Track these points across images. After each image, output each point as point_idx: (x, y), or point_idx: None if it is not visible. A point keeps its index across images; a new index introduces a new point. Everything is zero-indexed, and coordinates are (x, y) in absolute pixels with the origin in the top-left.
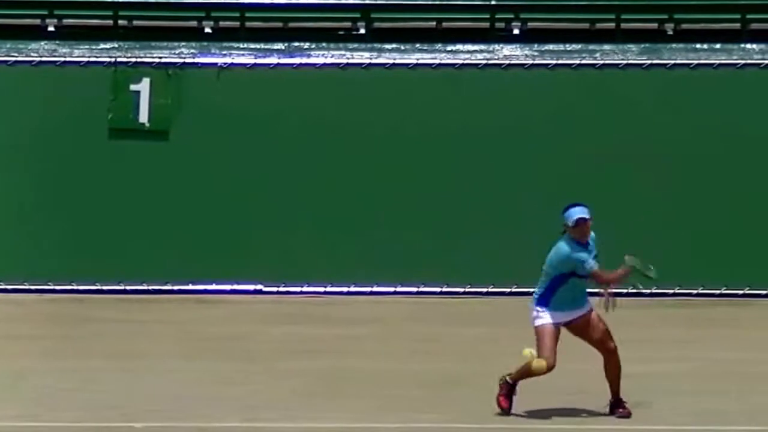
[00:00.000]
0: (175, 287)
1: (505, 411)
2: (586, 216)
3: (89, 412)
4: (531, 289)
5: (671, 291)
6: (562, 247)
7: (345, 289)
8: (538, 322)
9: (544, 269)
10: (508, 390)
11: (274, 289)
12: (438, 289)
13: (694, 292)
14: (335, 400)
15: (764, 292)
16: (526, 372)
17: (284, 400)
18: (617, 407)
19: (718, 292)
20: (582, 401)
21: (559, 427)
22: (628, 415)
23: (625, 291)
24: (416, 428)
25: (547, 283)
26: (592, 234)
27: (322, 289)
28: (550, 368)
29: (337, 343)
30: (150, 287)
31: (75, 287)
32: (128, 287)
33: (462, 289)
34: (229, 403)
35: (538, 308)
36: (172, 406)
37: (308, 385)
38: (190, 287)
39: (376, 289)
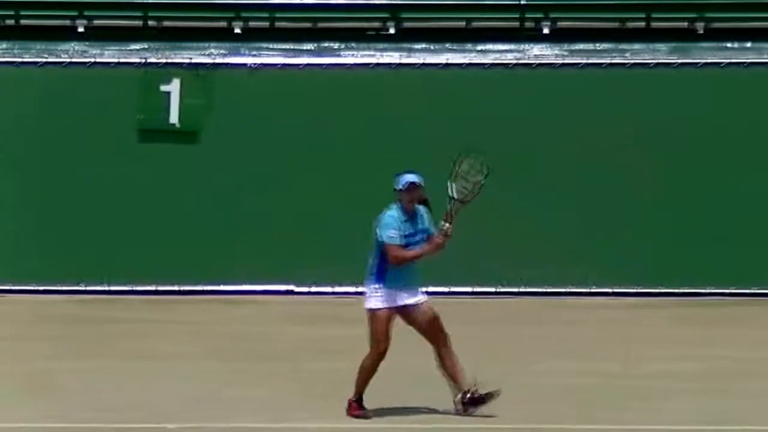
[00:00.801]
0: (206, 288)
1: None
2: (416, 180)
3: (119, 413)
4: (547, 290)
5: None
6: (386, 212)
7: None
8: (371, 305)
9: (374, 240)
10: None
11: (305, 289)
12: (469, 289)
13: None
14: (365, 400)
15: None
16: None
17: (315, 401)
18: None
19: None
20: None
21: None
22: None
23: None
24: (438, 429)
25: (377, 253)
26: (423, 209)
27: (352, 289)
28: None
29: (367, 344)
30: (181, 288)
31: (106, 288)
32: (159, 288)
33: (494, 289)
34: (260, 403)
35: (376, 285)
36: (202, 406)
37: (339, 386)
38: (221, 288)
39: None
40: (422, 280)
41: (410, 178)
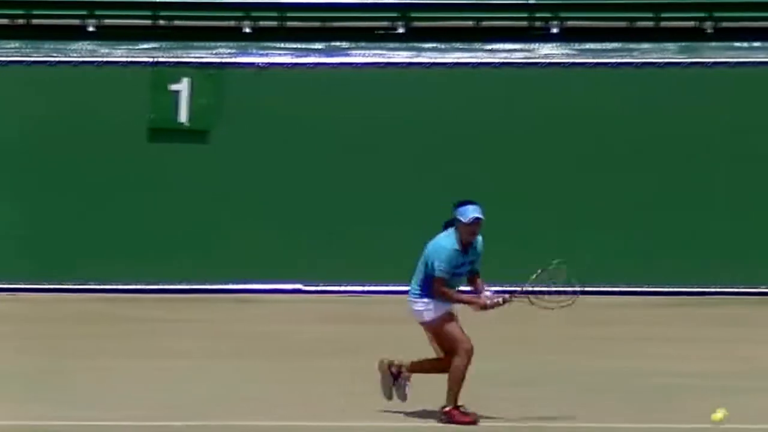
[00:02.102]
0: (215, 286)
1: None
2: (481, 216)
3: (128, 411)
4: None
5: (712, 290)
6: (443, 243)
7: (384, 288)
8: (433, 315)
9: (424, 262)
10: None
11: (313, 288)
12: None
13: (734, 290)
14: (373, 399)
15: None
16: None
17: (323, 400)
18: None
19: (757, 290)
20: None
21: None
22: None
23: (661, 290)
24: (451, 427)
25: (428, 275)
26: (479, 238)
27: (361, 288)
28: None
29: (376, 342)
30: (190, 286)
31: (118, 287)
32: (168, 286)
33: (500, 288)
34: (268, 402)
35: (426, 299)
36: (210, 405)
37: (347, 384)
38: (230, 286)
39: None
40: None
41: (476, 213)
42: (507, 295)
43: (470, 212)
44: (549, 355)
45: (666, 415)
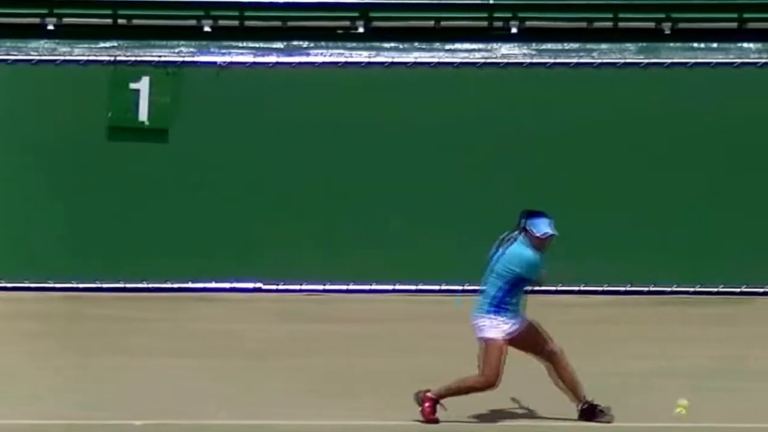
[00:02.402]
0: (175, 285)
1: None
2: (555, 233)
3: (87, 410)
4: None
5: (668, 289)
6: (528, 251)
7: (344, 287)
8: (490, 334)
9: (500, 273)
10: (432, 404)
11: (274, 287)
12: (437, 287)
13: (692, 289)
14: (333, 398)
15: (762, 290)
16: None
17: (283, 398)
18: (591, 413)
19: (716, 289)
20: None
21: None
22: (610, 420)
23: (624, 289)
24: (416, 426)
25: (504, 287)
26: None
27: (321, 287)
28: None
29: (336, 341)
30: (149, 285)
31: (74, 285)
32: (127, 285)
33: (461, 287)
34: (228, 400)
35: (492, 316)
36: (170, 404)
37: (306, 383)
38: (190, 285)
39: (375, 287)
40: None
41: (549, 229)
42: None
43: (543, 227)
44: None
45: (642, 414)
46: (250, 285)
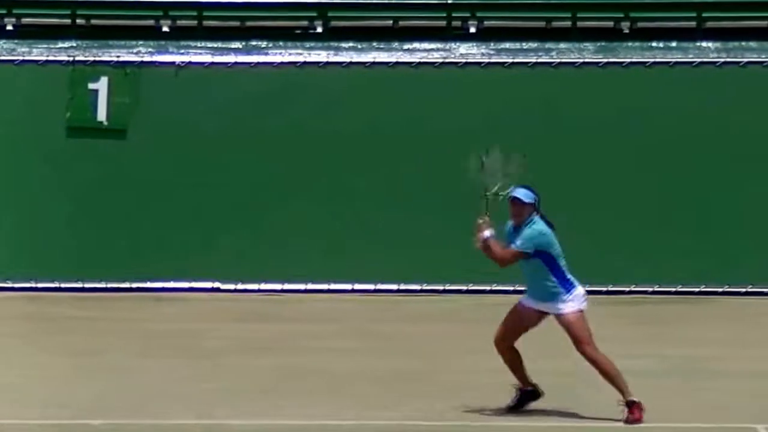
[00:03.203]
0: (133, 285)
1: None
2: (517, 195)
3: (45, 409)
4: (484, 287)
5: (626, 289)
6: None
7: (302, 287)
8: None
9: (555, 252)
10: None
11: (231, 287)
12: (395, 287)
13: (649, 290)
14: (291, 398)
15: (719, 289)
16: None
17: (240, 398)
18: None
19: (673, 289)
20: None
21: (513, 425)
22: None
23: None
24: (372, 425)
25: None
26: (528, 228)
27: (278, 287)
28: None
29: (293, 341)
30: (108, 285)
31: (33, 285)
32: (86, 285)
33: (419, 287)
34: (186, 400)
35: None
36: (129, 404)
37: (264, 383)
38: (148, 285)
39: (332, 286)
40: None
41: (516, 191)
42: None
43: (511, 191)
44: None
45: (593, 413)
46: (208, 285)
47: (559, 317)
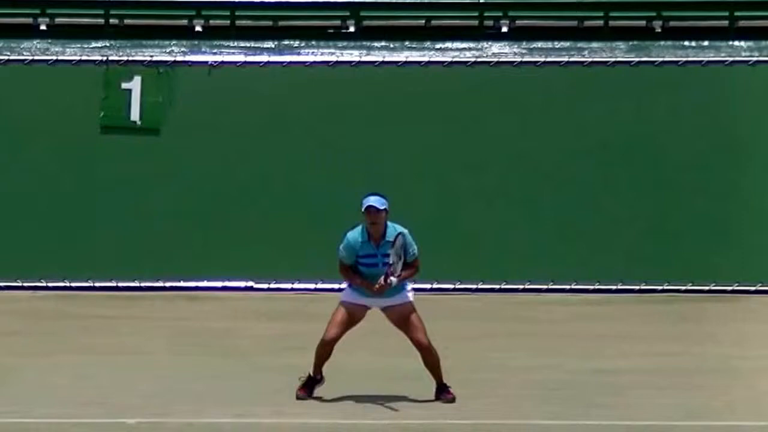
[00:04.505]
0: (167, 284)
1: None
2: (375, 205)
3: (79, 408)
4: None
5: (660, 287)
6: (349, 233)
7: (335, 286)
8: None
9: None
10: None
11: (265, 285)
12: (428, 286)
13: (683, 288)
14: (323, 396)
15: (752, 288)
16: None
17: (273, 396)
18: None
19: (707, 288)
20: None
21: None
22: (452, 400)
23: (614, 288)
24: (405, 425)
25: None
26: (401, 238)
27: (312, 286)
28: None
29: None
30: (141, 284)
31: (67, 284)
32: (120, 284)
33: (451, 286)
34: (220, 398)
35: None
36: (163, 402)
37: (297, 381)
38: (181, 284)
39: None
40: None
41: (368, 202)
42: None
43: (365, 202)
44: (485, 353)
45: (609, 412)
46: (242, 284)
47: (404, 306)
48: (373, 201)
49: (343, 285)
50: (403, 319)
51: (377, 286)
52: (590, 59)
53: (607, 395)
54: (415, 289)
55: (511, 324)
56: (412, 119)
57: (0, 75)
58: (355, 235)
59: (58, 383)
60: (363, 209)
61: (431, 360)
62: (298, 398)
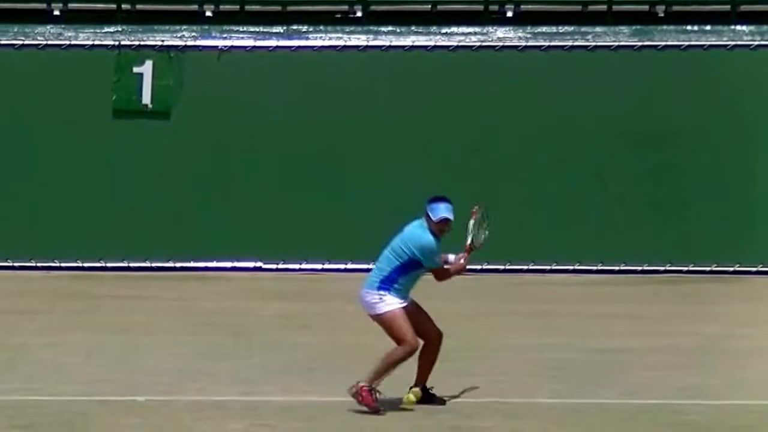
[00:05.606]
0: (177, 264)
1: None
2: (450, 217)
3: (90, 385)
4: (522, 267)
5: (662, 268)
6: (426, 235)
7: (342, 266)
8: (386, 308)
9: (396, 251)
10: (369, 393)
11: (273, 266)
12: None
13: (685, 269)
14: (330, 375)
15: (753, 269)
16: (392, 363)
17: (280, 374)
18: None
19: (709, 269)
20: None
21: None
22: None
23: (617, 269)
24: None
25: (398, 265)
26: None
27: (320, 266)
28: (414, 350)
29: (334, 319)
30: (152, 264)
31: (80, 264)
32: (131, 264)
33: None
34: (228, 377)
35: (382, 292)
36: (172, 380)
37: (304, 360)
38: (191, 264)
39: (372, 266)
40: None
41: (445, 213)
42: (464, 253)
43: (440, 212)
44: (490, 332)
45: (612, 391)
46: (251, 264)
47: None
48: (446, 212)
49: (350, 266)
50: (418, 308)
51: (463, 260)
52: (594, 43)
53: (611, 374)
54: None
55: (516, 304)
56: (417, 102)
57: (15, 59)
58: (430, 238)
59: (69, 361)
60: (436, 218)
61: (435, 357)
62: (378, 412)
